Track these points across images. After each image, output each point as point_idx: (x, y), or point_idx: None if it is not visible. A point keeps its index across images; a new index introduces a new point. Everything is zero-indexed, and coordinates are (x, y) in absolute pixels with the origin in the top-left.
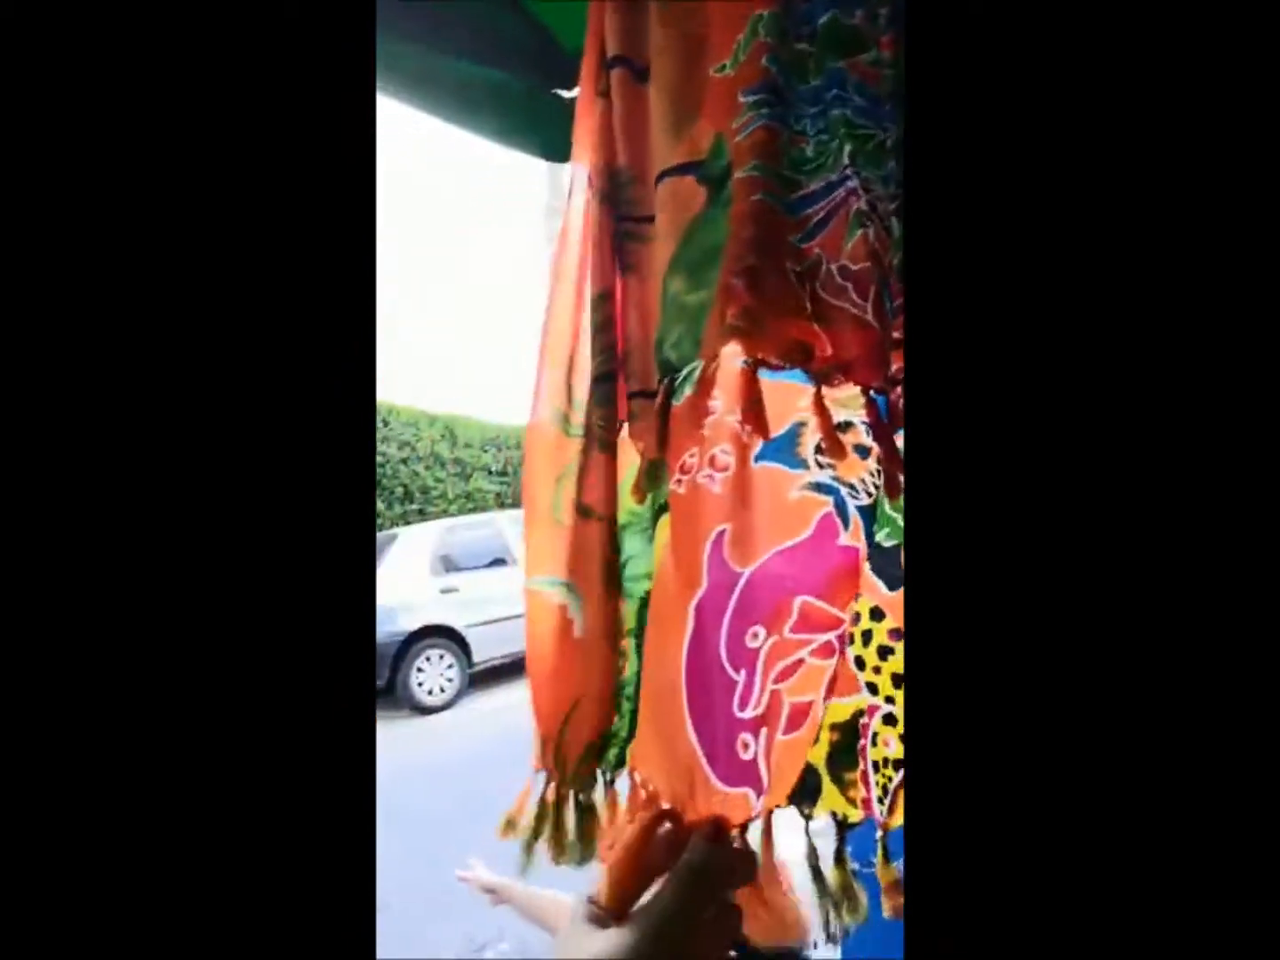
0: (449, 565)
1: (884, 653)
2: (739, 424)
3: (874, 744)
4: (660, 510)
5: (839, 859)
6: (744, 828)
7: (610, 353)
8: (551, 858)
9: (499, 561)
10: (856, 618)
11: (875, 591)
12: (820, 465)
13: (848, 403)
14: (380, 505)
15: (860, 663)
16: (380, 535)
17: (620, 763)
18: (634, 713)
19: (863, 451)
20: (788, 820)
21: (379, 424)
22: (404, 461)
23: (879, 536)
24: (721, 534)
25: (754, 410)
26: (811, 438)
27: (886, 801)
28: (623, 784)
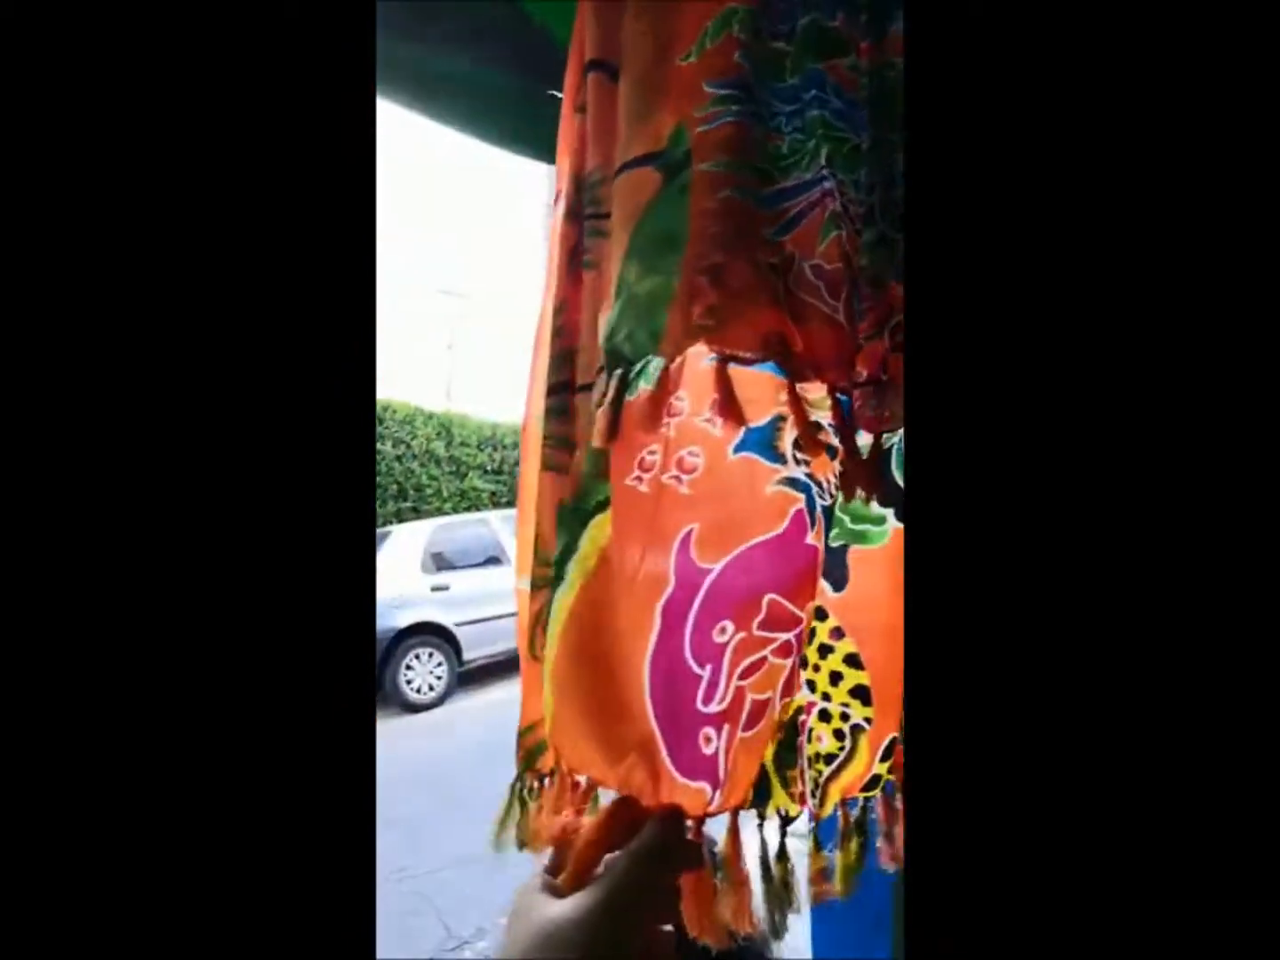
0: (441, 563)
1: (824, 651)
2: (710, 421)
3: (809, 740)
4: (600, 505)
5: (781, 854)
6: (700, 820)
7: (563, 362)
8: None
9: (493, 560)
10: None
11: (821, 593)
12: (797, 461)
13: (816, 404)
14: None
15: (803, 661)
16: None
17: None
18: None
19: (831, 452)
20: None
21: None
22: (399, 459)
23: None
24: (689, 533)
25: (728, 404)
26: (790, 432)
27: (818, 795)
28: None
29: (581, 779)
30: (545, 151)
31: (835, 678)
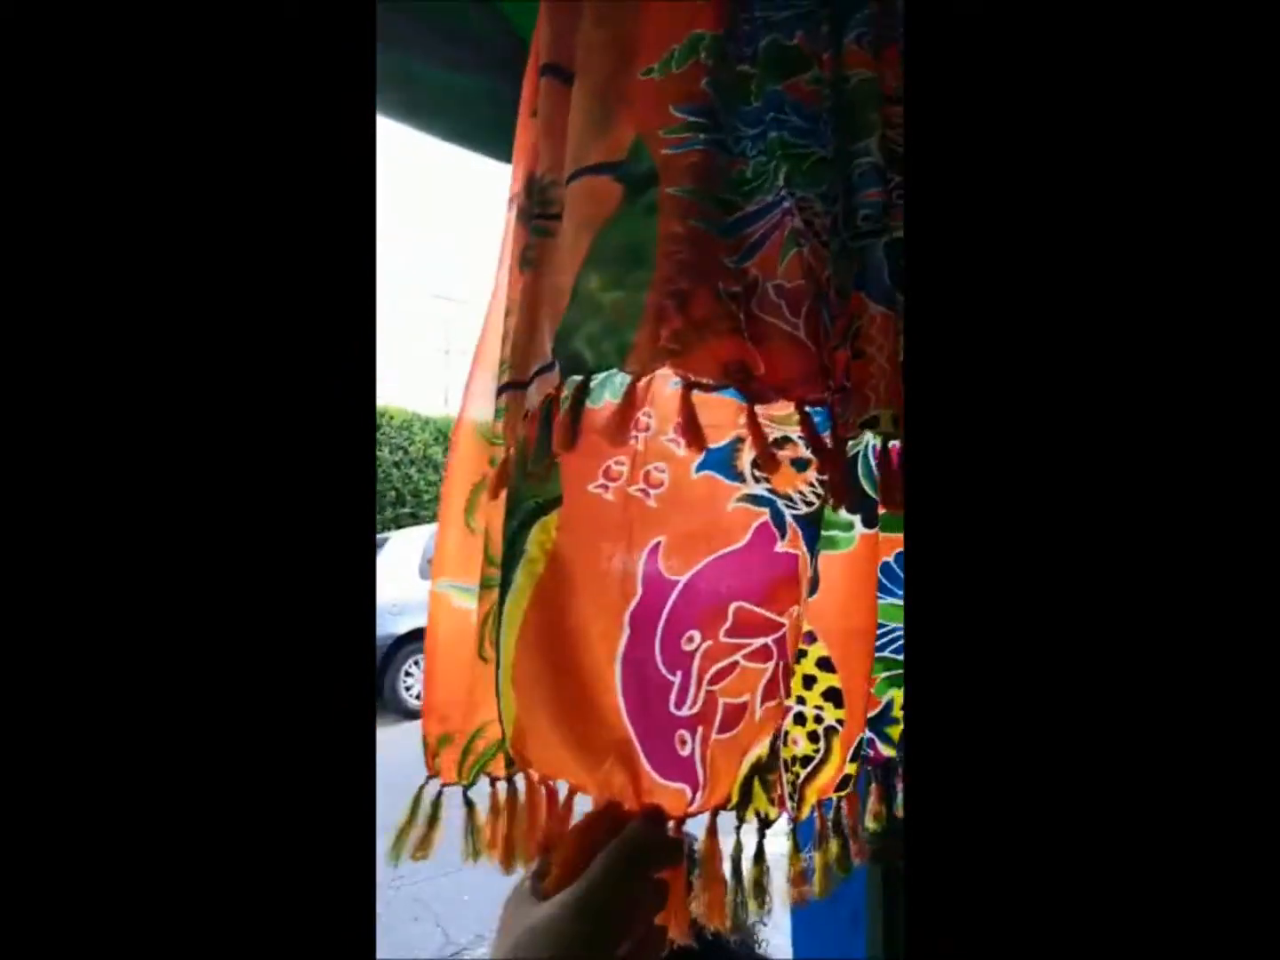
0: None
1: (797, 655)
2: (674, 441)
3: (785, 743)
4: (542, 506)
5: (759, 856)
6: (681, 820)
7: (507, 364)
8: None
9: None
10: None
11: None
12: (756, 479)
13: (785, 420)
14: None
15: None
16: None
17: (510, 762)
18: (500, 708)
19: (801, 465)
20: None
21: None
22: (396, 465)
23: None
24: (657, 545)
25: (690, 428)
26: (749, 453)
27: (795, 798)
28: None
29: (557, 785)
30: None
31: (808, 681)
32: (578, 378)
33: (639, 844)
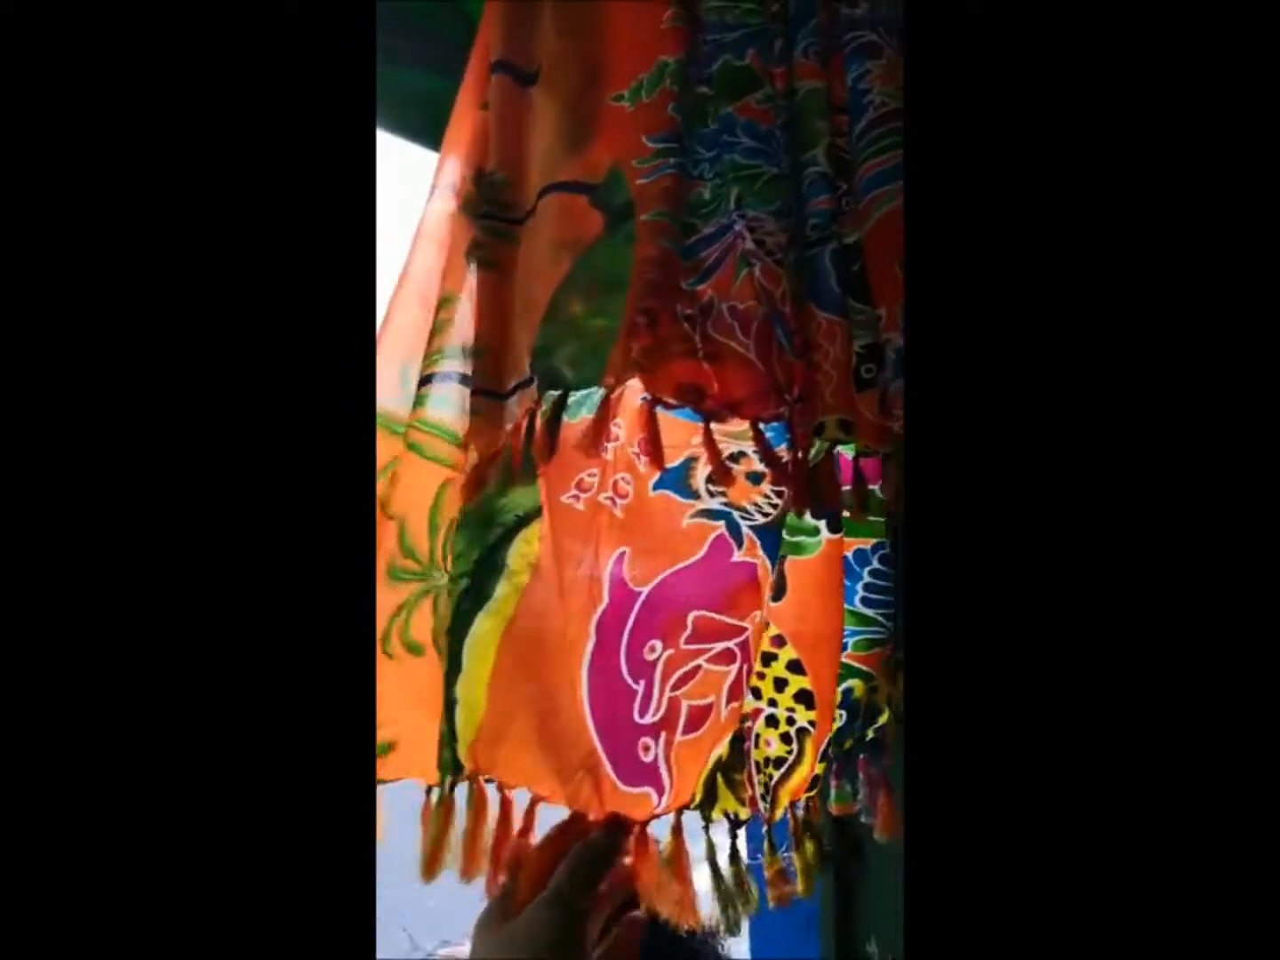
0: None
1: (767, 659)
2: (637, 455)
3: (756, 745)
4: (522, 519)
5: (734, 856)
6: (645, 823)
7: (455, 354)
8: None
9: None
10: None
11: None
12: (711, 494)
13: (740, 436)
14: None
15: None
16: None
17: (458, 768)
18: (448, 714)
19: (756, 478)
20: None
21: None
22: None
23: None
24: (622, 555)
25: (651, 443)
26: (703, 470)
27: (768, 799)
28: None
29: (514, 794)
30: None
31: (780, 684)
32: (555, 392)
33: (597, 843)
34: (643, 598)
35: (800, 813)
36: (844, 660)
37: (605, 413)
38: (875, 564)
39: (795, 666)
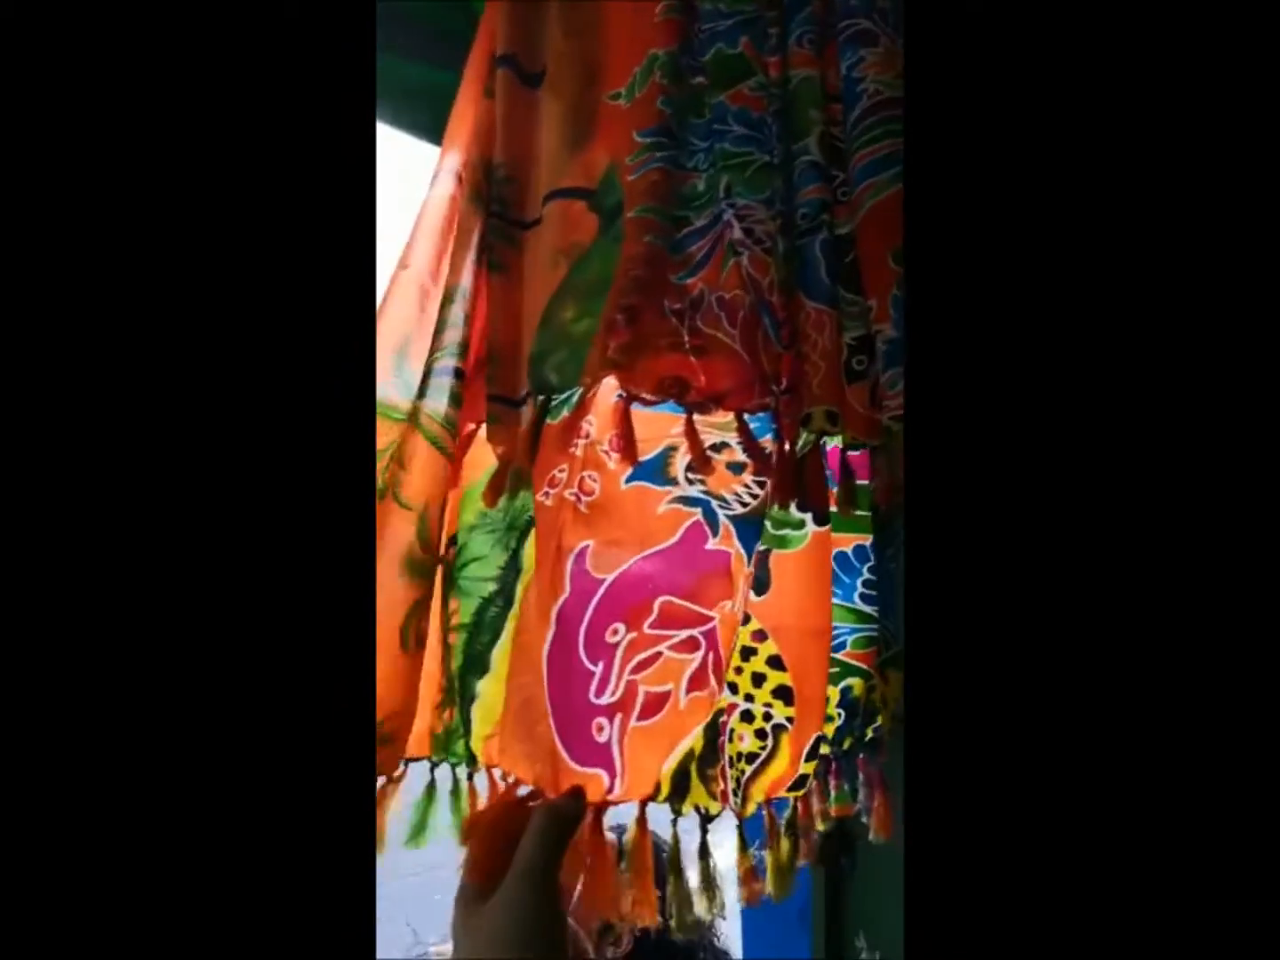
0: None
1: (746, 654)
2: (607, 453)
3: (730, 740)
4: (529, 524)
5: (703, 852)
6: (600, 809)
7: (455, 350)
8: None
9: None
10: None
11: (746, 598)
12: (690, 481)
13: (724, 427)
14: None
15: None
16: None
17: (472, 758)
18: (465, 706)
19: (736, 468)
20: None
21: None
22: None
23: (759, 546)
24: (585, 549)
25: (623, 439)
26: (682, 459)
27: (740, 794)
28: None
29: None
30: None
31: (758, 679)
32: (540, 398)
33: (552, 814)
34: (607, 583)
35: (785, 813)
36: (842, 658)
37: (579, 411)
38: (875, 560)
39: (775, 662)
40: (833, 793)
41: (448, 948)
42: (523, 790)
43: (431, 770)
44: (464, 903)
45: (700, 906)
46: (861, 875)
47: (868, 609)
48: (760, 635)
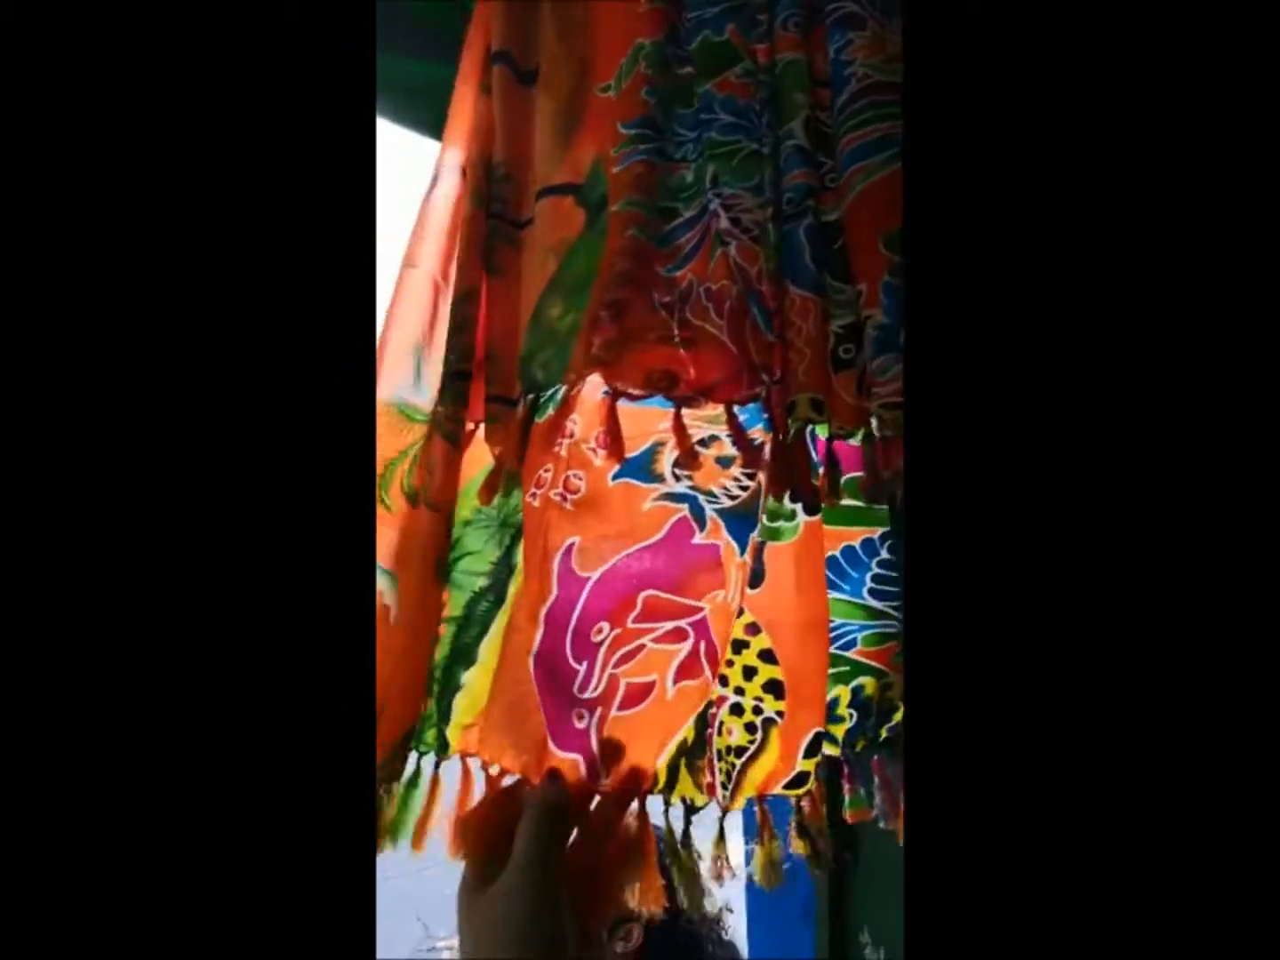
0: None
1: (738, 647)
2: (593, 450)
3: (720, 733)
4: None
5: (685, 842)
6: (581, 791)
7: (467, 352)
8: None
9: None
10: None
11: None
12: (677, 478)
13: (714, 420)
14: None
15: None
16: None
17: (444, 746)
18: (446, 695)
19: (725, 461)
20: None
21: None
22: None
23: (755, 537)
24: (570, 546)
25: (610, 436)
26: (669, 455)
27: (729, 788)
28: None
29: (493, 769)
30: None
31: (749, 673)
32: (530, 396)
33: (544, 802)
34: (592, 582)
35: (790, 814)
36: (853, 656)
37: (563, 409)
38: (884, 554)
39: (767, 656)
40: (847, 797)
41: (457, 942)
42: (508, 780)
43: (418, 760)
44: (465, 893)
45: (682, 898)
46: (865, 871)
47: (878, 604)
48: (753, 629)
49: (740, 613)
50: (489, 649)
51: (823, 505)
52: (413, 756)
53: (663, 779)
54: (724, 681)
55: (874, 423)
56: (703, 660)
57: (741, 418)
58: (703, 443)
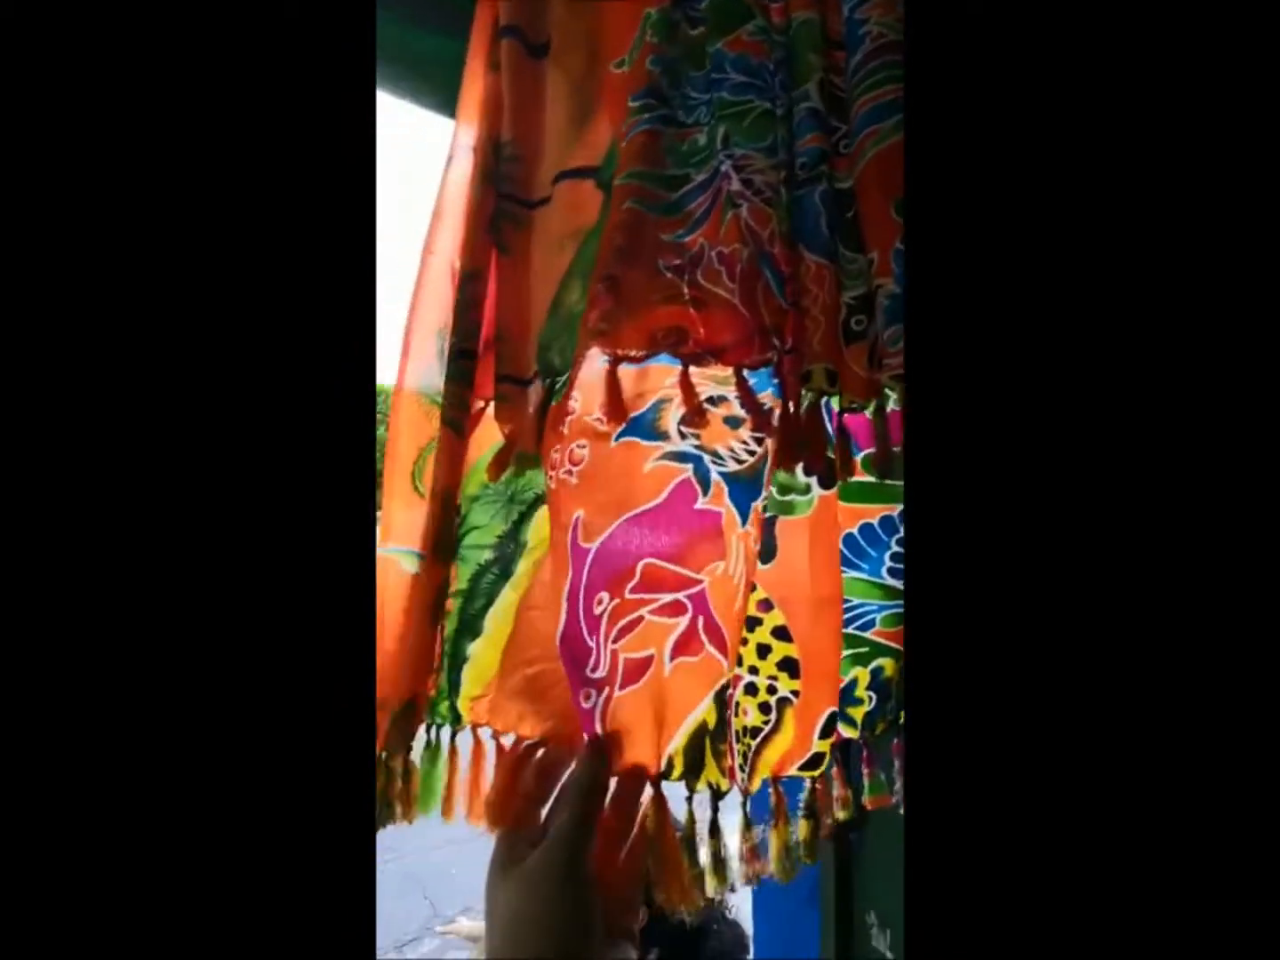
0: None
1: (751, 624)
2: (598, 420)
3: (736, 714)
4: (540, 498)
5: (713, 829)
6: (632, 783)
7: (471, 331)
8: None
9: None
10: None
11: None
12: (683, 435)
13: (723, 381)
14: None
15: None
16: None
17: (456, 718)
18: (455, 668)
19: (733, 422)
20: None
21: None
22: None
23: (760, 506)
24: (578, 520)
25: (613, 404)
26: (675, 412)
27: (746, 770)
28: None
29: (507, 739)
30: None
31: (763, 650)
32: (547, 381)
33: (589, 782)
34: (592, 552)
35: (803, 795)
36: (872, 637)
37: (568, 390)
38: (904, 532)
39: (781, 633)
40: (866, 782)
41: (457, 925)
42: (525, 744)
43: (427, 732)
44: (495, 865)
45: (711, 885)
46: (872, 853)
47: (897, 584)
48: (766, 605)
49: (752, 588)
50: (494, 621)
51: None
52: (424, 729)
53: (679, 764)
54: (739, 661)
55: (886, 395)
56: (702, 636)
57: (751, 382)
58: (711, 401)
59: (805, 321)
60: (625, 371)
